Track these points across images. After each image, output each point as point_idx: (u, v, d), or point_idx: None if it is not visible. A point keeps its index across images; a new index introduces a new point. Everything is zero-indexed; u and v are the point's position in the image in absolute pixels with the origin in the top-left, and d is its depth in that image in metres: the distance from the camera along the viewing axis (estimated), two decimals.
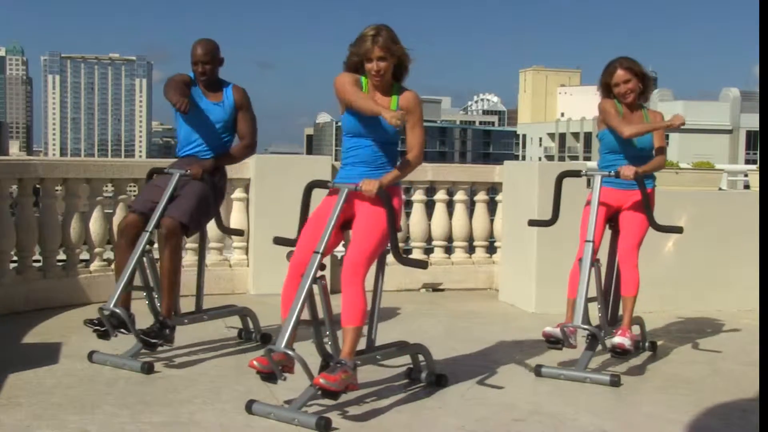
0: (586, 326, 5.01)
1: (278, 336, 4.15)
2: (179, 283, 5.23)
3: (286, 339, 4.09)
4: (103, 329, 4.98)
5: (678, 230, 5.42)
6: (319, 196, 4.53)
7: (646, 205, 5.19)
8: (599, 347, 5.11)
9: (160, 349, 5.11)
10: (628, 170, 5.11)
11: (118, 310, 4.93)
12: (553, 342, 5.09)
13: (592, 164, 7.29)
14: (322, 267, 4.22)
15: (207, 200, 5.25)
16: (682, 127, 5.18)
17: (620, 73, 5.27)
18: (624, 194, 5.34)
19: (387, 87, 4.42)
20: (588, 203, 5.28)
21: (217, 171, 5.40)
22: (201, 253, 5.72)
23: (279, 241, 4.58)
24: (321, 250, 4.21)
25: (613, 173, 5.19)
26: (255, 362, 4.16)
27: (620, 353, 5.04)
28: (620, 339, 5.03)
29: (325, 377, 3.98)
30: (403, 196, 4.70)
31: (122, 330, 4.98)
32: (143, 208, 5.19)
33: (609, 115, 5.24)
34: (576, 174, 5.43)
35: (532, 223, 5.67)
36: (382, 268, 4.56)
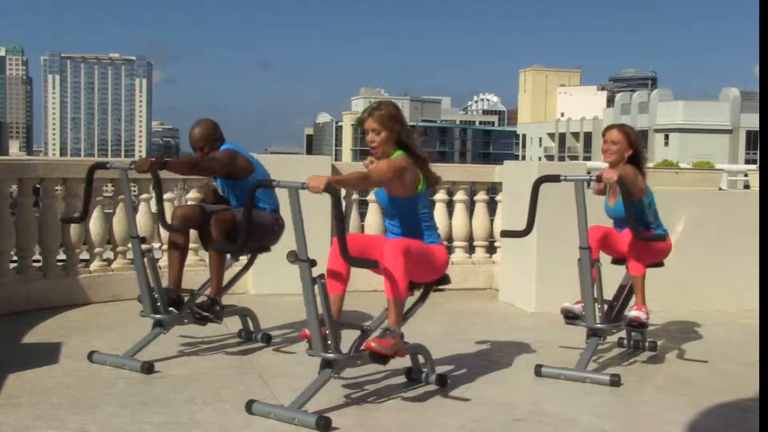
0: (594, 325, 5.05)
1: (313, 342, 4.24)
2: (224, 264, 5.45)
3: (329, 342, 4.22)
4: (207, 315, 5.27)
5: (661, 238, 5.40)
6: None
7: (629, 212, 5.05)
8: (599, 347, 5.11)
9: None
10: (609, 173, 5.13)
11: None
12: (571, 318, 5.21)
13: (593, 164, 7.30)
14: (313, 263, 4.21)
15: (263, 228, 5.40)
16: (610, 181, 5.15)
17: (607, 135, 5.41)
18: (618, 236, 5.41)
19: (388, 156, 4.52)
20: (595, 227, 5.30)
21: (278, 220, 5.54)
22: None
23: (506, 234, 5.05)
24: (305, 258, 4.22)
25: (594, 178, 5.19)
26: (372, 344, 4.19)
27: (637, 326, 5.28)
28: (636, 313, 5.25)
29: (377, 341, 4.17)
30: None
31: (172, 308, 5.21)
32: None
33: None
34: (555, 179, 5.29)
35: (505, 234, 5.60)
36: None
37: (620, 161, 5.34)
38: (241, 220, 5.18)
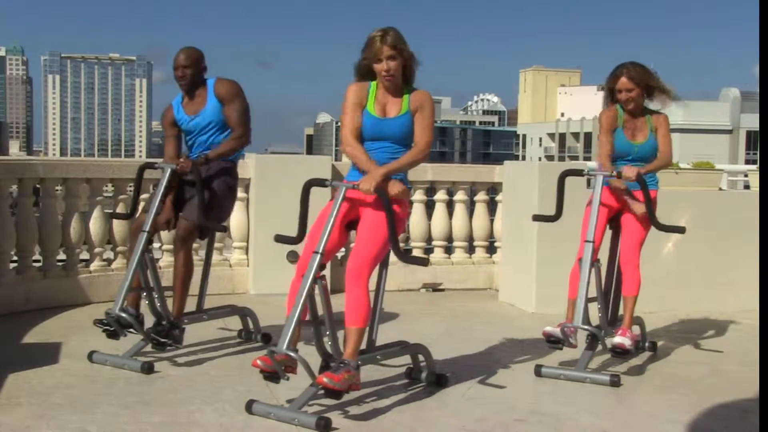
0: (585, 326, 5.01)
1: (280, 336, 4.15)
2: (189, 286, 5.25)
3: (288, 339, 4.09)
4: (111, 329, 5.00)
5: (680, 230, 5.42)
6: (318, 196, 4.53)
7: (648, 205, 5.18)
8: (599, 347, 5.11)
9: (165, 349, 5.11)
10: (629, 171, 5.10)
11: (123, 314, 4.93)
12: (553, 341, 5.09)
13: (593, 164, 7.29)
14: (322, 267, 4.21)
15: (220, 201, 5.25)
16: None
17: (623, 81, 5.27)
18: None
19: (398, 88, 4.43)
20: (589, 204, 5.28)
21: (228, 171, 5.36)
22: (208, 254, 5.69)
23: (279, 239, 4.57)
24: (321, 250, 4.21)
25: (615, 173, 5.19)
26: (258, 361, 4.15)
27: (620, 353, 5.04)
28: (620, 339, 5.04)
29: (328, 376, 3.99)
30: (408, 201, 4.69)
31: (131, 330, 5.00)
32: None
33: (601, 129, 5.34)
34: (578, 173, 5.44)
35: (537, 218, 5.64)
36: (386, 269, 4.56)
37: (641, 105, 5.31)
38: (205, 220, 5.11)
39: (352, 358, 4.14)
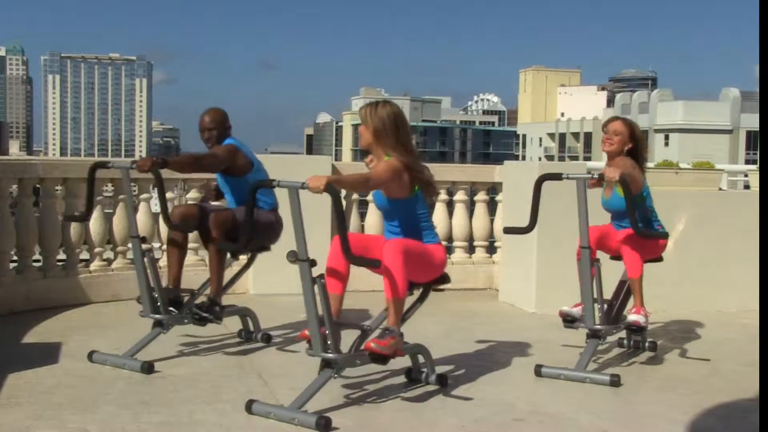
0: (594, 326, 5.05)
1: (313, 342, 4.26)
2: (223, 266, 5.45)
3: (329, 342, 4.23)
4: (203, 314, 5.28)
5: (661, 235, 5.39)
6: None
7: (630, 210, 5.04)
8: (599, 347, 5.11)
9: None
10: (611, 172, 4.96)
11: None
12: (569, 321, 5.19)
13: (593, 164, 7.30)
14: (313, 263, 4.21)
15: (260, 226, 5.34)
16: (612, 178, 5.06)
17: (608, 126, 5.38)
18: (615, 233, 5.40)
19: (379, 155, 4.56)
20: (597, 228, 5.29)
21: (275, 216, 5.53)
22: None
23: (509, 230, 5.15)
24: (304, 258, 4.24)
25: (596, 177, 5.17)
26: (372, 344, 4.20)
27: (636, 330, 5.25)
28: (635, 317, 5.21)
29: (376, 342, 4.18)
30: None
31: (172, 309, 5.22)
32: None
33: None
34: (557, 177, 5.28)
35: (508, 230, 5.55)
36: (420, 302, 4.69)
37: (620, 153, 5.31)
38: (241, 219, 5.20)
39: (395, 326, 4.29)
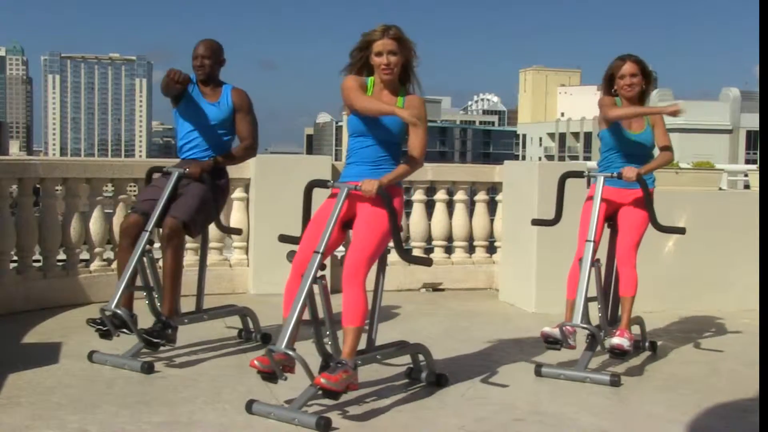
0: (585, 326, 5.01)
1: (279, 336, 4.15)
2: (180, 284, 5.23)
3: (287, 339, 4.09)
4: (105, 329, 4.97)
5: (681, 231, 5.42)
6: (320, 195, 4.53)
7: (648, 205, 5.17)
8: (599, 347, 5.10)
9: (160, 348, 5.10)
10: (630, 171, 5.09)
11: (119, 311, 4.92)
12: (551, 342, 5.05)
13: (593, 164, 7.30)
14: (322, 267, 4.22)
15: (209, 201, 5.25)
16: (679, 116, 5.15)
17: (629, 66, 5.26)
18: (623, 192, 5.33)
19: (395, 86, 4.42)
20: (588, 199, 5.28)
21: (220, 172, 5.39)
22: (202, 253, 5.72)
23: (284, 238, 4.58)
24: (321, 250, 4.21)
25: (615, 174, 5.17)
26: (256, 362, 4.16)
27: (619, 354, 5.02)
28: (619, 340, 5.01)
29: (326, 377, 3.99)
30: (404, 196, 4.69)
31: (124, 330, 4.97)
32: (146, 208, 5.19)
33: (603, 105, 5.24)
34: (579, 175, 5.44)
35: (536, 222, 5.66)
36: (383, 268, 4.56)
37: (638, 96, 5.28)
38: (199, 202, 5.15)
39: (349, 358, 4.14)
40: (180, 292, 5.25)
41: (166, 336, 5.04)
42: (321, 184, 4.50)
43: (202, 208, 5.21)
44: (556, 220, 5.36)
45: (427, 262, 4.49)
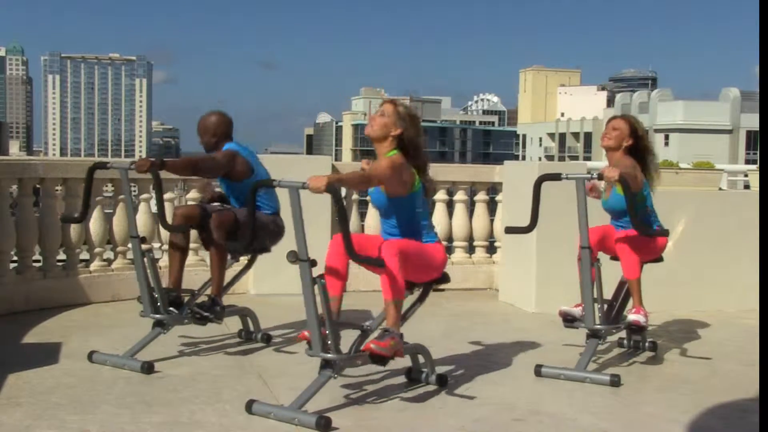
0: (596, 326, 5.05)
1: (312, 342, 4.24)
2: (225, 266, 5.44)
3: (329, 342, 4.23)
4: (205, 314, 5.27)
5: (664, 233, 5.37)
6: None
7: (631, 208, 5.05)
8: (599, 348, 5.11)
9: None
10: (611, 171, 4.95)
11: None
12: (569, 320, 5.17)
13: (593, 164, 7.30)
14: (313, 263, 4.22)
15: (262, 228, 5.35)
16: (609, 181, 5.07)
17: (610, 122, 5.39)
18: (615, 232, 5.38)
19: (388, 147, 4.52)
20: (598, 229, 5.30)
21: (276, 220, 5.52)
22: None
23: (510, 230, 5.16)
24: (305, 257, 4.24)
25: (595, 176, 5.16)
26: (372, 345, 4.20)
27: (636, 329, 5.23)
28: (635, 316, 5.20)
29: (375, 343, 4.17)
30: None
31: (172, 308, 5.20)
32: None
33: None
34: (556, 177, 5.28)
35: (510, 230, 5.55)
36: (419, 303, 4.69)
37: (618, 148, 5.29)
38: (243, 220, 5.20)
39: (395, 327, 4.28)
40: (224, 275, 5.43)
41: (215, 311, 5.28)
42: (267, 183, 4.53)
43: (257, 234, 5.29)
44: (532, 226, 5.21)
45: (380, 263, 4.39)
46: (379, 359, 4.19)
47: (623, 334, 5.60)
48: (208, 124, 5.51)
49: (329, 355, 4.22)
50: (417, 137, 4.56)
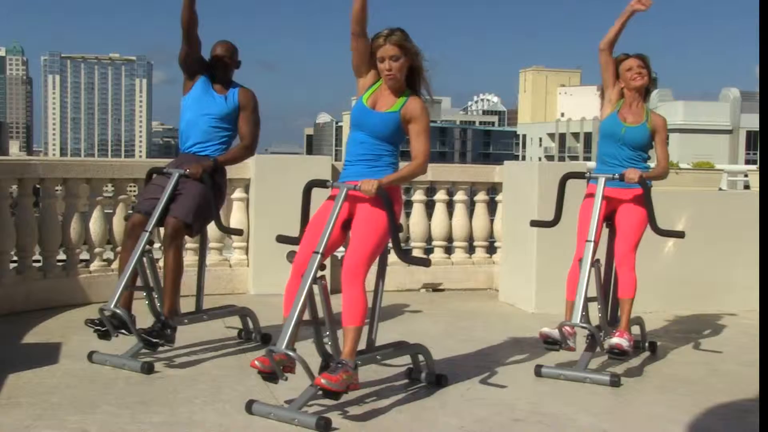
0: (585, 325, 5.01)
1: (279, 336, 4.15)
2: (180, 284, 5.24)
3: (287, 339, 4.09)
4: (103, 329, 4.97)
5: (680, 235, 5.40)
6: (319, 195, 4.53)
7: (649, 209, 5.14)
8: (599, 348, 5.10)
9: (160, 349, 5.10)
10: (632, 173, 5.08)
11: (118, 311, 4.92)
12: (550, 343, 5.03)
13: (592, 164, 7.29)
14: (322, 267, 4.22)
15: (209, 200, 5.25)
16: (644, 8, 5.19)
17: (634, 61, 5.33)
18: (623, 191, 5.32)
19: (399, 89, 4.41)
20: (587, 197, 5.29)
21: (219, 171, 5.39)
22: (201, 253, 5.72)
23: (281, 239, 4.59)
24: (321, 251, 4.21)
25: (617, 176, 5.17)
26: (256, 362, 4.16)
27: (618, 354, 5.01)
28: (618, 340, 4.99)
29: (326, 377, 3.99)
30: (403, 196, 4.69)
31: (123, 331, 4.97)
32: (148, 208, 5.19)
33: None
34: (580, 176, 5.43)
35: (534, 223, 5.68)
36: (383, 269, 4.56)
37: (643, 91, 5.33)
38: (201, 201, 5.18)
39: (350, 358, 4.14)
40: (180, 293, 5.24)
41: (166, 336, 5.03)
42: (320, 184, 4.51)
43: (202, 208, 5.21)
44: (556, 221, 5.37)
45: (426, 263, 4.48)
46: (331, 395, 3.99)
47: None
48: (219, 48, 5.46)
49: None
50: (421, 63, 4.43)
